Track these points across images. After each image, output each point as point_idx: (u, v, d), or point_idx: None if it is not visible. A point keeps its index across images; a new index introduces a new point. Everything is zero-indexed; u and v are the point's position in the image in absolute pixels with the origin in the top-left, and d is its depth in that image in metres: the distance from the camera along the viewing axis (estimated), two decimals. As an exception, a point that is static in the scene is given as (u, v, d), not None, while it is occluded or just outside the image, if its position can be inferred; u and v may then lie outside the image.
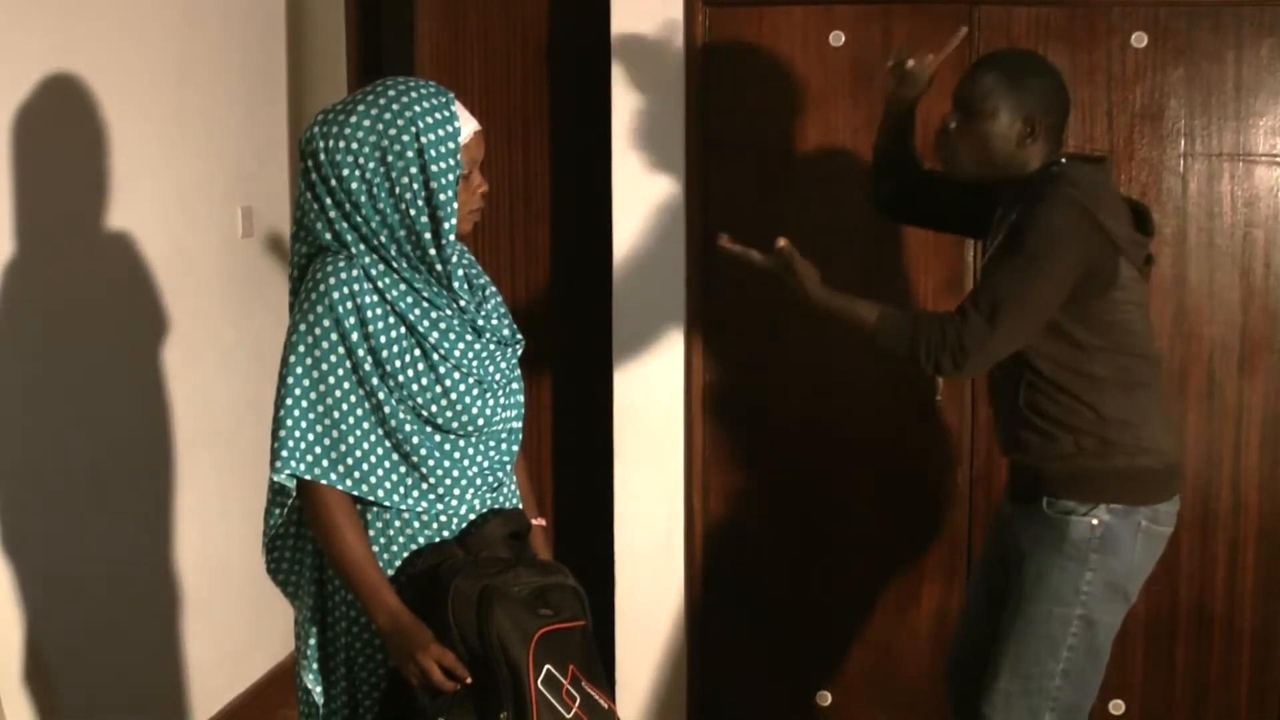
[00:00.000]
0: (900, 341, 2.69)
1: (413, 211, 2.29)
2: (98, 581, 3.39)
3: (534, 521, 2.62)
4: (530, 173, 4.20)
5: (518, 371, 2.56)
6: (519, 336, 2.55)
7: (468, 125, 2.34)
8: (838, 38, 3.72)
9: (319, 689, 2.48)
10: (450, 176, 2.28)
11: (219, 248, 3.91)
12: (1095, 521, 2.71)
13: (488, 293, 2.52)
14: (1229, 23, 3.56)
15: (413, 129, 2.27)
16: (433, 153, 2.27)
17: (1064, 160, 2.75)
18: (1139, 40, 3.59)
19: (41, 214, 3.14)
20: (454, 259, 2.36)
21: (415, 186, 2.28)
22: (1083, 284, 2.64)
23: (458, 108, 2.33)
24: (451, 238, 2.32)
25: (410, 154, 2.27)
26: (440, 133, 2.28)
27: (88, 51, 3.29)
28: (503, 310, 2.55)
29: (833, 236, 3.73)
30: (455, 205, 2.30)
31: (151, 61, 3.56)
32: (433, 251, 2.32)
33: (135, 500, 3.56)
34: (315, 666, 2.49)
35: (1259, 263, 3.62)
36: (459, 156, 2.30)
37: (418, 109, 2.28)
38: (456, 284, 2.38)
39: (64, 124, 3.23)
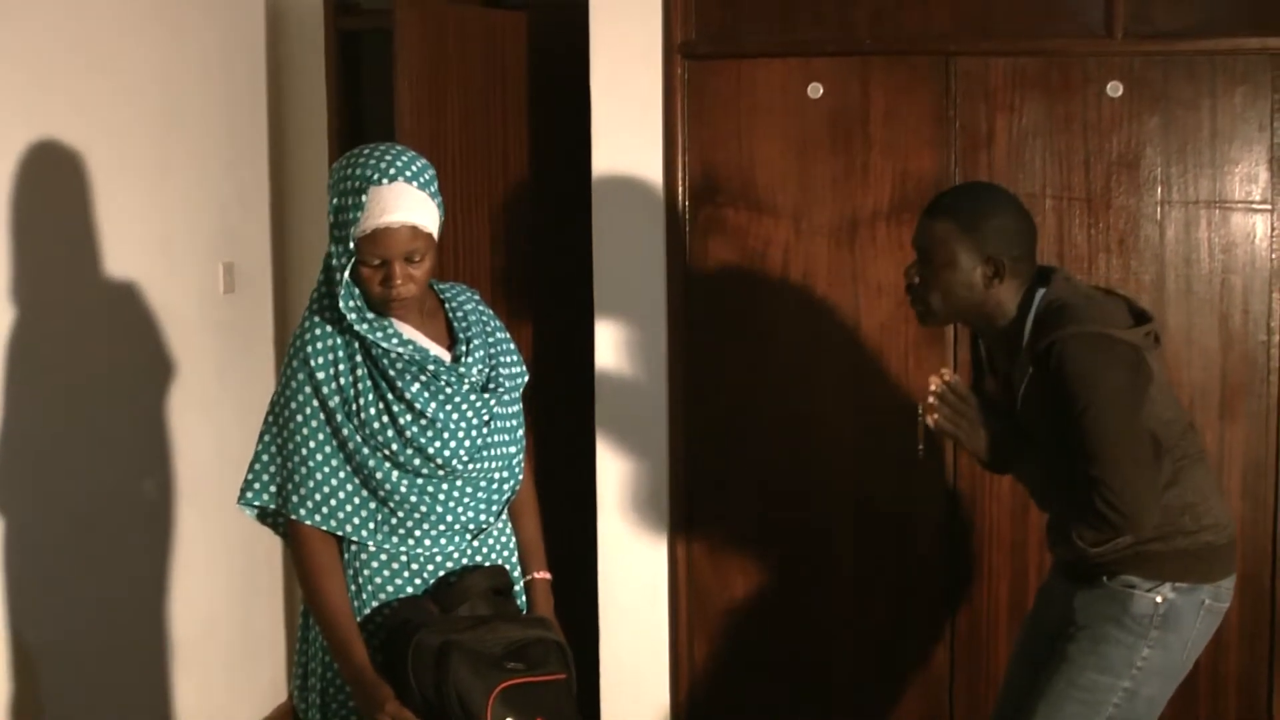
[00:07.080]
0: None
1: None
2: (86, 634, 3.36)
3: (537, 575, 2.63)
4: (511, 221, 4.20)
5: (509, 423, 2.57)
6: (501, 385, 2.53)
7: (383, 219, 2.29)
8: (816, 89, 3.74)
9: None
10: (344, 259, 2.33)
11: (200, 303, 3.90)
12: (1159, 599, 2.60)
13: (473, 345, 2.50)
14: (1203, 71, 3.60)
15: (333, 202, 2.35)
16: (336, 232, 2.35)
17: (1039, 293, 2.61)
18: (1114, 89, 3.62)
19: (23, 270, 3.13)
20: (364, 327, 2.37)
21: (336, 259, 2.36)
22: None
23: (387, 197, 2.29)
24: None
25: (332, 227, 2.36)
26: (339, 217, 2.33)
27: (70, 109, 3.29)
28: (486, 356, 2.53)
29: (813, 287, 3.74)
30: (344, 289, 2.34)
31: (134, 118, 3.56)
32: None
33: (122, 554, 3.54)
34: None
35: (1237, 309, 3.63)
36: (351, 244, 2.31)
37: (337, 187, 2.34)
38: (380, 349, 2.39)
39: (47, 181, 3.23)
